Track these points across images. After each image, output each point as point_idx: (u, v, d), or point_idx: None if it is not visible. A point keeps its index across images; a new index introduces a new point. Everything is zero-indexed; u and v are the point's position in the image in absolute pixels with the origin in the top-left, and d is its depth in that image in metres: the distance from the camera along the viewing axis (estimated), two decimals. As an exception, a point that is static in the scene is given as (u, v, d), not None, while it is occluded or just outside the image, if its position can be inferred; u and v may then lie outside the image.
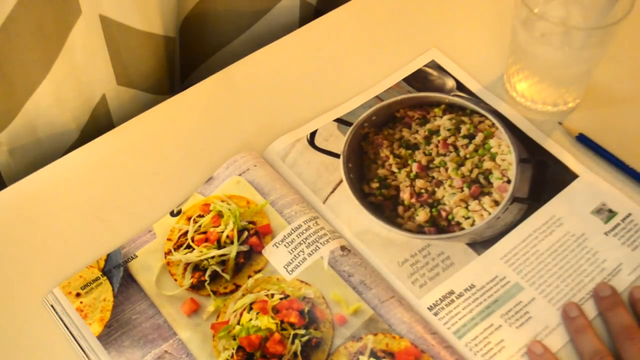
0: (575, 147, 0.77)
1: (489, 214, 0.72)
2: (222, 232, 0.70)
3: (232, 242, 0.70)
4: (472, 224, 0.72)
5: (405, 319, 0.65)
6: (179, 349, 0.65)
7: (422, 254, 0.70)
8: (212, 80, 0.84)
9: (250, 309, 0.66)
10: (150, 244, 0.71)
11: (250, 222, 0.71)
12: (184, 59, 0.92)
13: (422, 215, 0.72)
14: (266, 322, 0.65)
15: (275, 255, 0.69)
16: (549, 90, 0.77)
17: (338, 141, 0.78)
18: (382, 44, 0.86)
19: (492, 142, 0.77)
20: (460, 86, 0.82)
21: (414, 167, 0.76)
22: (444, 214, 0.73)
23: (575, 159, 0.76)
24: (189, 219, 0.72)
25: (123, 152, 0.78)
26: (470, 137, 0.77)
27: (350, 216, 0.73)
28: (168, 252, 0.70)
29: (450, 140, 0.77)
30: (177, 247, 0.71)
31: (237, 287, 0.68)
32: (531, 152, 0.76)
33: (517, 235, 0.71)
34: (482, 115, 0.79)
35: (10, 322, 0.67)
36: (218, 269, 0.69)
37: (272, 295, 0.67)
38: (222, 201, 0.73)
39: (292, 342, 0.64)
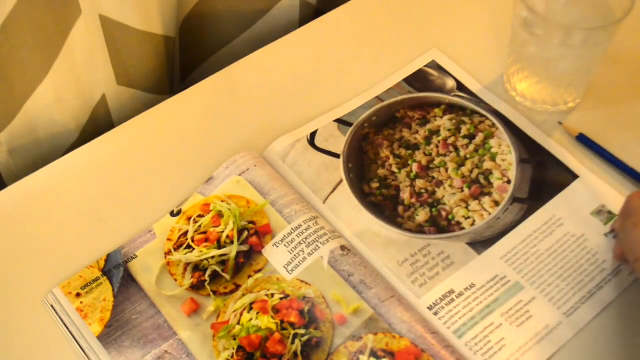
0: (575, 147, 0.77)
1: (489, 214, 0.72)
2: (222, 232, 0.70)
3: (232, 242, 0.70)
4: (473, 224, 0.72)
5: (405, 318, 0.65)
6: (179, 349, 0.65)
7: (422, 254, 0.70)
8: (212, 80, 0.84)
9: (251, 308, 0.66)
10: (151, 244, 0.71)
11: (250, 222, 0.71)
12: (184, 59, 0.92)
13: (422, 215, 0.72)
14: (266, 322, 0.65)
15: (275, 255, 0.69)
16: (549, 90, 0.77)
17: (338, 141, 0.78)
18: (383, 44, 0.86)
19: (492, 142, 0.77)
20: (460, 86, 0.82)
21: (414, 167, 0.76)
22: (444, 214, 0.72)
23: (575, 159, 0.75)
24: (189, 219, 0.72)
25: (123, 152, 0.78)
26: (471, 137, 0.77)
27: (350, 216, 0.73)
28: (168, 252, 0.70)
29: (450, 141, 0.77)
30: (177, 247, 0.71)
31: (237, 287, 0.68)
32: (531, 153, 0.76)
33: (517, 235, 0.71)
34: (482, 116, 0.79)
35: (10, 322, 0.67)
36: (218, 269, 0.69)
37: (272, 295, 0.67)
38: (222, 201, 0.73)
39: (292, 342, 0.64)
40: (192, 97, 0.83)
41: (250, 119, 0.80)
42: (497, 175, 0.74)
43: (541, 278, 0.68)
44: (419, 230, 0.72)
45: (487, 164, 0.75)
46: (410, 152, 0.77)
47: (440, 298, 0.67)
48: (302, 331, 0.65)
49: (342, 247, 0.69)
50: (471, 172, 0.75)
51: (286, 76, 0.84)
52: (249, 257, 0.70)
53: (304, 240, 0.69)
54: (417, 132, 0.78)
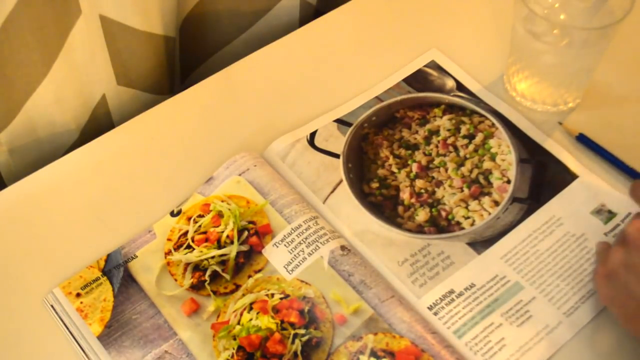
0: (575, 147, 0.77)
1: (489, 214, 0.72)
2: (222, 232, 0.70)
3: (232, 242, 0.70)
4: (472, 224, 0.72)
5: (405, 318, 0.65)
6: (179, 349, 0.65)
7: (422, 254, 0.70)
8: (212, 80, 0.84)
9: (251, 308, 0.66)
10: (151, 244, 0.71)
11: (250, 222, 0.71)
12: (184, 59, 0.92)
13: (422, 215, 0.72)
14: (266, 321, 0.65)
15: (275, 255, 0.69)
16: (549, 90, 0.77)
17: (338, 141, 0.78)
18: (382, 44, 0.86)
19: (492, 142, 0.77)
20: (460, 86, 0.82)
21: (414, 167, 0.76)
22: (444, 213, 0.72)
23: (575, 159, 0.76)
24: (189, 219, 0.72)
25: (123, 152, 0.78)
26: (470, 137, 0.77)
27: (350, 216, 0.73)
28: (168, 252, 0.70)
29: (450, 141, 0.77)
30: (177, 247, 0.71)
31: (237, 287, 0.68)
32: (531, 152, 0.76)
33: (517, 235, 0.71)
34: (482, 116, 0.79)
35: (10, 322, 0.67)
36: (218, 269, 0.69)
37: (272, 295, 0.67)
38: (222, 201, 0.73)
39: (293, 342, 0.64)
40: (192, 97, 0.83)
41: (250, 119, 0.80)
42: (497, 175, 0.74)
43: (541, 278, 0.68)
44: (419, 230, 0.72)
45: (487, 164, 0.75)
46: (409, 152, 0.77)
47: (440, 298, 0.67)
48: (302, 331, 0.65)
49: (342, 247, 0.69)
50: (471, 172, 0.75)
51: (286, 76, 0.84)
52: (249, 257, 0.70)
53: (304, 240, 0.69)
54: (416, 132, 0.78)
